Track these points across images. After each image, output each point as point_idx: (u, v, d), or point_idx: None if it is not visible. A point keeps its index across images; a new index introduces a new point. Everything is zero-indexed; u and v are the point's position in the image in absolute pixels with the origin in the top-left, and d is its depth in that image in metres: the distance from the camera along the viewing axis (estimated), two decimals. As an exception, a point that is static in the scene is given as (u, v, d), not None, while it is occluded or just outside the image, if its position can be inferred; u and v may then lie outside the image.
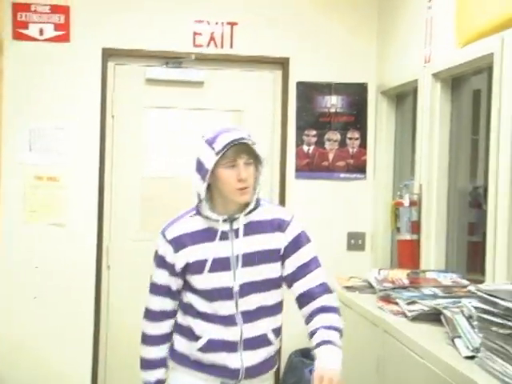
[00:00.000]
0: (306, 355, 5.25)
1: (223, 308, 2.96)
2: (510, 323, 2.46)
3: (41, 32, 5.39)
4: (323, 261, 5.37)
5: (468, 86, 4.58)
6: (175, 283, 3.03)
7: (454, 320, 3.05)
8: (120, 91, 5.57)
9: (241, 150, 2.88)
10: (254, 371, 3.00)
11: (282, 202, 5.64)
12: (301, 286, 3.01)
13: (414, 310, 3.46)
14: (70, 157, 5.44)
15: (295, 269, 3.02)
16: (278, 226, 3.04)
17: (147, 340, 3.11)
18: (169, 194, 5.62)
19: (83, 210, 5.46)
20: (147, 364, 3.11)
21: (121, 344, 5.46)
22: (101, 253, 5.53)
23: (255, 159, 2.96)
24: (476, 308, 2.77)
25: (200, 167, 2.92)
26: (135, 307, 5.28)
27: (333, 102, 5.72)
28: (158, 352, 3.10)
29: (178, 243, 2.97)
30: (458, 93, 4.67)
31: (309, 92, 5.69)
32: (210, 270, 2.95)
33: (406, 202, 4.86)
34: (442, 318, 3.21)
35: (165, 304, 3.07)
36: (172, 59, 5.53)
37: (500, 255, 3.70)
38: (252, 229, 3.01)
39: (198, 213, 3.00)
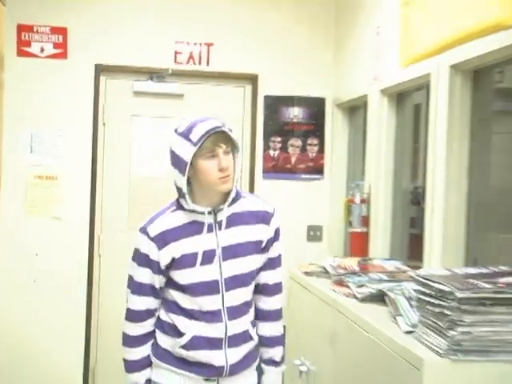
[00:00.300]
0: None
1: (208, 303, 2.66)
2: (441, 302, 2.46)
3: (41, 50, 5.36)
4: (287, 250, 5.38)
5: (410, 100, 4.59)
6: (158, 281, 2.68)
7: (396, 300, 3.04)
8: (110, 102, 5.54)
9: (219, 139, 2.57)
10: (237, 368, 2.73)
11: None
12: (264, 276, 2.83)
13: (362, 293, 3.44)
14: (67, 158, 5.42)
15: (266, 260, 2.82)
16: (262, 217, 2.78)
17: (132, 341, 2.74)
18: (152, 192, 5.55)
19: (77, 205, 5.43)
20: (134, 365, 2.75)
21: (110, 321, 5.40)
22: (93, 243, 5.50)
23: (232, 147, 2.65)
24: (415, 290, 2.79)
25: (177, 161, 2.60)
26: (123, 291, 5.34)
27: (295, 113, 5.72)
28: (145, 351, 2.74)
29: (162, 240, 2.62)
30: (401, 106, 4.68)
31: (275, 104, 5.68)
32: (205, 262, 2.63)
33: (358, 200, 4.89)
34: (386, 299, 3.19)
35: (149, 303, 2.71)
36: (156, 74, 5.51)
37: (435, 245, 3.74)
38: (235, 220, 2.70)
39: (180, 207, 2.69)
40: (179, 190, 2.64)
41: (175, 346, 2.68)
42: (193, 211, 2.65)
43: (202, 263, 2.62)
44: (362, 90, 5.06)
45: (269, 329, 2.88)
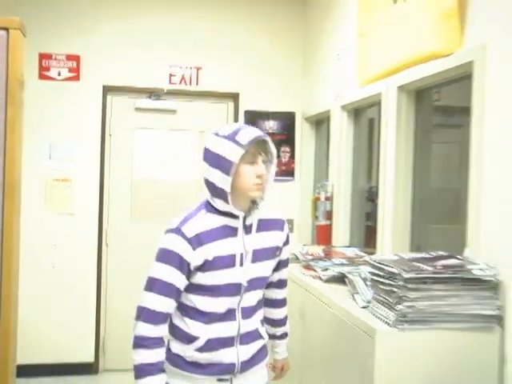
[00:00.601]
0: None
1: (227, 304, 2.35)
2: (391, 282, 2.53)
3: (59, 74, 5.35)
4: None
5: (365, 115, 4.61)
6: (183, 283, 2.30)
7: (354, 281, 3.08)
8: (115, 116, 5.54)
9: (261, 147, 2.31)
10: (247, 365, 2.45)
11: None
12: (279, 274, 2.63)
13: (326, 275, 3.49)
14: (79, 164, 5.41)
15: (279, 261, 2.57)
16: (279, 225, 2.52)
17: (151, 343, 2.25)
18: (151, 192, 5.65)
19: (88, 202, 5.43)
20: (151, 369, 2.25)
21: (116, 298, 5.49)
22: (101, 234, 5.49)
23: (267, 158, 2.38)
24: (369, 272, 2.82)
25: (221, 162, 2.23)
26: (127, 274, 5.40)
27: (270, 125, 5.72)
28: (162, 354, 2.30)
29: (198, 241, 2.25)
30: (358, 120, 4.69)
31: (253, 117, 5.67)
32: (232, 265, 2.31)
33: (323, 197, 4.89)
34: (346, 280, 3.24)
35: (170, 305, 2.30)
36: (153, 93, 5.51)
37: (386, 235, 3.77)
38: (261, 226, 2.40)
39: (210, 210, 2.33)
40: (219, 190, 2.27)
41: (188, 350, 2.35)
42: (225, 214, 2.32)
43: (229, 265, 2.31)
44: (325, 106, 5.08)
45: (282, 312, 2.75)
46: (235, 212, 2.30)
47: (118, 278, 5.52)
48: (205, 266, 2.26)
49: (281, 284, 2.70)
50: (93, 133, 5.45)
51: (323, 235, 4.79)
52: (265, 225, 2.43)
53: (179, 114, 5.66)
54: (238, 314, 2.39)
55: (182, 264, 2.25)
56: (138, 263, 5.07)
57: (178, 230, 2.27)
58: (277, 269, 2.59)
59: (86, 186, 5.43)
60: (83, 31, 5.41)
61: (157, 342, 2.27)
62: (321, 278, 3.52)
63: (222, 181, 2.23)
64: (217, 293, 2.31)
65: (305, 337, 3.50)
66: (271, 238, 2.45)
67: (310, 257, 3.98)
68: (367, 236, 4.42)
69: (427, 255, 2.81)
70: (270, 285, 2.64)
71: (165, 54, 5.52)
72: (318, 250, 4.22)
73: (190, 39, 5.55)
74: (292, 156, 5.76)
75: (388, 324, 2.50)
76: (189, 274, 2.28)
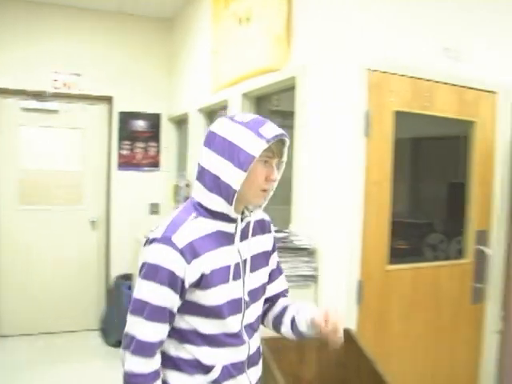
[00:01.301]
0: (125, 278, 5.26)
1: (233, 325, 1.65)
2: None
3: None
4: (135, 222, 5.44)
5: (217, 117, 4.62)
6: (177, 304, 1.59)
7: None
8: (4, 116, 5.31)
9: (279, 147, 1.65)
10: None
11: (110, 185, 5.59)
12: (275, 286, 1.89)
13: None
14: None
15: (273, 268, 1.87)
16: (266, 226, 1.84)
17: (146, 380, 1.56)
18: (35, 179, 5.49)
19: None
20: None
21: (10, 273, 5.27)
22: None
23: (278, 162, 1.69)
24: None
25: (237, 153, 1.54)
26: (17, 252, 5.21)
27: (140, 124, 5.70)
28: None
29: (191, 252, 1.55)
30: (211, 121, 4.73)
31: (126, 118, 5.63)
32: (231, 278, 1.64)
33: (182, 185, 4.97)
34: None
35: (164, 332, 1.60)
36: (38, 95, 5.34)
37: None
38: (254, 229, 1.75)
39: (203, 213, 1.62)
40: (224, 186, 1.57)
41: (202, 383, 1.64)
42: (219, 217, 1.62)
43: (234, 278, 1.65)
44: (185, 109, 5.14)
45: (290, 300, 1.92)
46: (233, 215, 1.63)
47: (10, 255, 5.33)
48: (202, 282, 1.58)
49: (277, 297, 1.92)
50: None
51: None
52: (256, 227, 1.77)
53: (61, 114, 5.50)
54: (245, 336, 1.71)
55: (174, 282, 1.55)
56: (26, 242, 5.18)
57: (166, 240, 1.55)
58: (272, 278, 1.88)
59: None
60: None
61: (152, 378, 1.58)
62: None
63: (234, 176, 1.55)
64: (221, 313, 1.62)
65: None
66: (262, 242, 1.80)
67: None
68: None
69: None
70: (268, 300, 1.90)
71: (50, 61, 5.34)
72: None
73: (71, 47, 5.40)
74: (158, 151, 5.78)
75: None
76: (184, 292, 1.58)
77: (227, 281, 1.62)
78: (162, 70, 5.79)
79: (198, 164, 1.66)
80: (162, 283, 1.54)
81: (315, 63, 2.89)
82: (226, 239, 1.64)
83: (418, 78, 3.10)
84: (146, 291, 1.56)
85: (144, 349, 1.56)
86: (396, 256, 3.05)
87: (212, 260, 1.59)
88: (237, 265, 1.66)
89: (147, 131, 5.74)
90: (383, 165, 2.91)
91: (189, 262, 1.54)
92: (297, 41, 3.04)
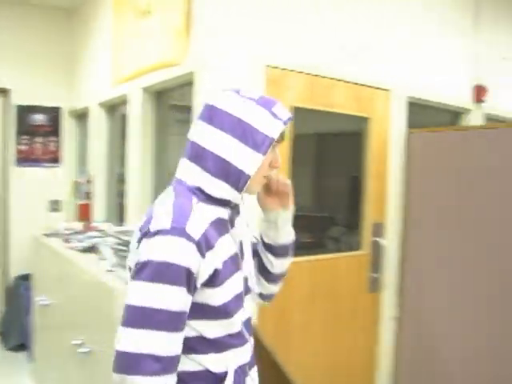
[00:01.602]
0: (24, 278, 5.05)
1: (234, 323, 1.41)
2: (126, 249, 2.62)
3: None
4: (34, 219, 5.22)
5: (119, 111, 4.60)
6: (189, 306, 1.31)
7: (102, 249, 3.11)
8: None
9: (284, 132, 1.41)
10: None
11: (7, 181, 5.34)
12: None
13: (82, 246, 3.45)
14: None
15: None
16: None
17: None
18: None
19: None
20: None
21: None
22: None
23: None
24: (115, 242, 2.89)
25: (250, 133, 1.32)
26: None
27: (40, 118, 5.46)
28: None
29: (206, 243, 1.29)
30: (112, 116, 4.70)
31: (24, 111, 5.38)
32: (236, 270, 1.42)
33: (84, 181, 4.84)
34: (96, 249, 3.26)
35: (180, 341, 1.30)
36: None
37: (131, 211, 3.87)
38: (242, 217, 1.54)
39: (202, 198, 1.35)
40: (234, 171, 1.33)
41: None
42: (217, 203, 1.38)
43: (238, 268, 1.43)
44: (86, 103, 5.01)
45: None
46: (239, 202, 1.44)
47: None
48: (214, 278, 1.32)
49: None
50: None
51: (84, 212, 4.71)
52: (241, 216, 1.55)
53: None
54: (246, 333, 1.49)
55: (190, 281, 1.28)
56: None
57: (179, 231, 1.26)
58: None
59: None
60: None
61: None
62: (77, 249, 3.49)
63: (249, 160, 1.33)
64: (230, 310, 1.38)
65: (66, 297, 3.41)
66: (248, 230, 1.58)
67: (69, 231, 3.95)
68: (120, 212, 4.43)
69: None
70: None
71: None
72: (78, 225, 4.21)
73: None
74: (58, 145, 5.56)
75: (127, 283, 2.57)
76: (195, 292, 1.32)
77: (234, 272, 1.39)
78: (63, 62, 5.56)
79: (194, 143, 1.40)
80: (178, 284, 1.26)
81: (214, 58, 2.87)
82: (224, 226, 1.40)
83: (316, 76, 3.16)
84: (161, 296, 1.25)
85: (159, 364, 1.24)
86: (301, 249, 3.10)
87: (222, 251, 1.35)
88: (237, 254, 1.44)
89: (47, 125, 5.52)
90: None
91: (204, 256, 1.29)
92: (196, 36, 3.02)
